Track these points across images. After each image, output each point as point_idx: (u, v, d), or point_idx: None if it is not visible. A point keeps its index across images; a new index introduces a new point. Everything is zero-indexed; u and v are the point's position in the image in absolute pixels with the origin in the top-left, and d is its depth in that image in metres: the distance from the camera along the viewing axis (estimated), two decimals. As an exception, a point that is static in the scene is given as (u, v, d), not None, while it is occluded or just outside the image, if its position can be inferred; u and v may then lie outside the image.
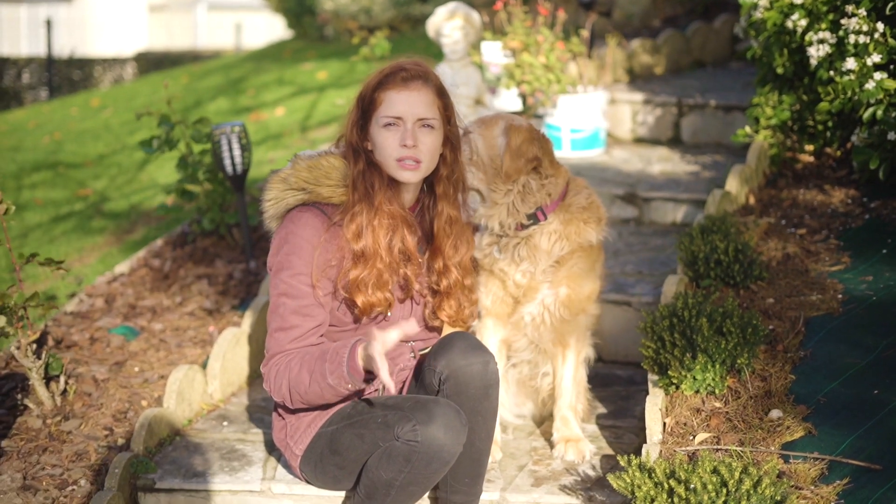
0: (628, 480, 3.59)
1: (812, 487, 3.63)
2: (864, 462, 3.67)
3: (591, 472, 4.21)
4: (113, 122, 12.11)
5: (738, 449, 3.81)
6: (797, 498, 3.55)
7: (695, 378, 4.12)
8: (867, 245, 5.04)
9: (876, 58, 5.15)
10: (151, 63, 21.70)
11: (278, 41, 17.30)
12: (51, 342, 5.13)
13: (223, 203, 6.33)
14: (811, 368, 4.22)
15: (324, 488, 3.98)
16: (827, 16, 5.46)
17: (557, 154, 4.35)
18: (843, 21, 5.29)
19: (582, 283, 4.29)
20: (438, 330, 4.00)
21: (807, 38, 5.51)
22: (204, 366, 4.97)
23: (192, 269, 6.10)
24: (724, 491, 3.41)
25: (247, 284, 5.83)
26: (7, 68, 20.46)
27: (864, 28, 5.20)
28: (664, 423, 4.10)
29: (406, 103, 3.68)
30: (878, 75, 5.12)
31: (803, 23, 5.56)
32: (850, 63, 5.22)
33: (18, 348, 4.50)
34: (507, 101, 7.44)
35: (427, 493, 3.94)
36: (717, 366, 4.11)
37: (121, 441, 4.43)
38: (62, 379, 4.68)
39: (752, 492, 3.40)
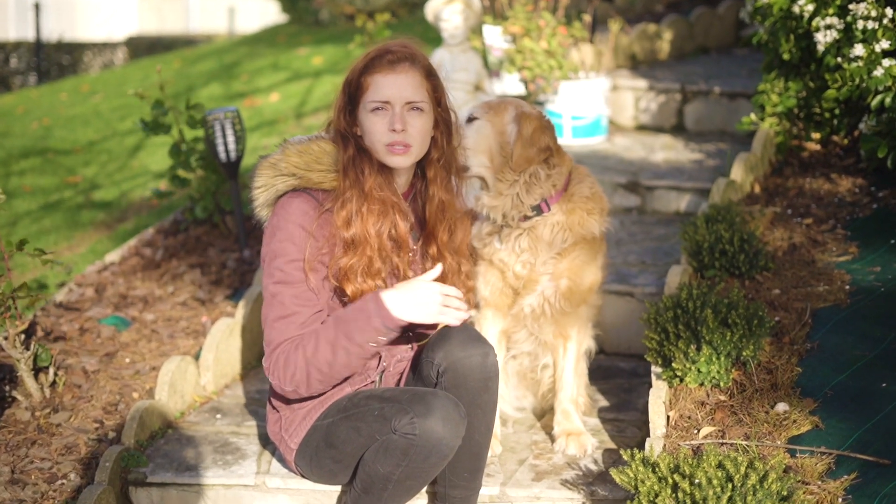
0: (631, 475, 3.59)
1: (819, 482, 3.63)
2: (872, 457, 3.67)
3: (593, 467, 4.21)
4: (103, 107, 12.08)
5: (744, 443, 3.81)
6: (804, 493, 3.54)
7: (699, 370, 4.12)
8: (875, 235, 5.03)
9: (885, 44, 5.14)
10: (142, 48, 21.65)
11: (272, 25, 17.26)
12: (40, 333, 5.11)
13: (216, 191, 6.31)
14: (818, 361, 4.21)
15: (319, 482, 3.97)
16: (834, 1, 5.45)
17: (559, 142, 4.33)
18: (850, 6, 5.28)
19: (583, 274, 4.27)
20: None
21: (814, 23, 5.50)
22: (197, 357, 4.97)
23: (185, 258, 6.09)
24: (730, 486, 3.41)
25: (241, 274, 5.82)
26: (-5, 53, 20.45)
27: (873, 13, 5.19)
28: (668, 417, 4.09)
29: (393, 87, 3.66)
30: (886, 62, 5.11)
31: (810, 8, 5.55)
32: (858, 49, 5.21)
33: (6, 339, 4.48)
34: (511, 85, 7.42)
35: (425, 488, 3.93)
36: (722, 358, 4.10)
37: (111, 434, 4.41)
38: (51, 370, 4.67)
39: (757, 487, 3.40)
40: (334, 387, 3.77)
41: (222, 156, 5.92)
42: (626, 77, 8.12)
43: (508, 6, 7.63)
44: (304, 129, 9.06)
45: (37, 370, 4.66)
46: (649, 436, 4.05)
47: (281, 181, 3.73)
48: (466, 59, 6.76)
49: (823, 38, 5.43)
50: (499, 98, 4.28)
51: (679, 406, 4.10)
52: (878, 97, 5.19)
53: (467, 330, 3.78)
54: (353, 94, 3.72)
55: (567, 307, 4.31)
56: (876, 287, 4.59)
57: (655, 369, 4.32)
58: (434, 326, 3.96)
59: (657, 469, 3.56)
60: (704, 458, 3.53)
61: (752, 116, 6.23)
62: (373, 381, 3.83)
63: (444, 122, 3.81)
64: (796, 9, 5.61)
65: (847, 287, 4.64)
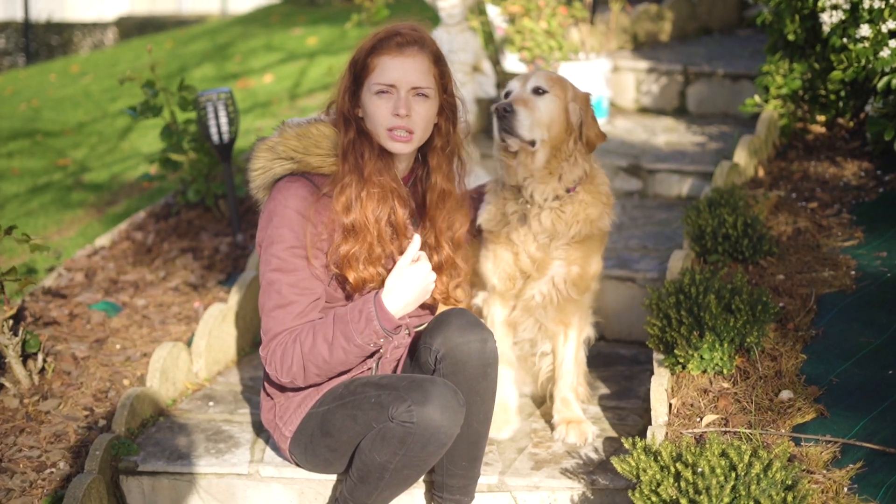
0: (633, 464, 3.58)
1: (824, 471, 3.62)
2: (878, 445, 3.66)
3: (594, 455, 4.20)
4: (93, 88, 12.05)
5: (748, 431, 3.80)
6: (809, 482, 3.54)
7: (702, 357, 4.11)
8: (881, 220, 5.02)
9: (891, 24, 5.13)
10: (133, 28, 21.61)
11: (266, 5, 17.22)
12: (28, 318, 5.10)
13: (209, 173, 6.29)
14: (823, 348, 4.20)
15: (314, 471, 3.96)
16: (841, -20, 5.43)
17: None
18: (857, -15, 5.26)
19: (591, 262, 4.29)
20: (431, 308, 3.97)
21: (819, 3, 5.48)
22: (189, 343, 4.95)
23: (177, 242, 6.07)
24: (734, 475, 3.40)
25: (234, 258, 5.81)
26: (-18, 33, 20.40)
27: (880, -8, 5.17)
28: (670, 405, 4.08)
29: (400, 70, 3.64)
30: (893, 43, 5.10)
31: (816, -13, 5.53)
32: (865, 30, 5.19)
33: (-5, 324, 4.47)
34: (514, 64, 7.40)
35: (422, 477, 3.93)
36: (726, 345, 4.09)
37: (102, 422, 4.40)
38: (40, 357, 4.66)
39: (762, 476, 3.39)
40: (319, 385, 3.77)
41: (215, 138, 5.90)
42: (628, 58, 8.10)
43: (508, -15, 7.60)
44: (299, 110, 9.05)
45: (25, 357, 4.65)
46: (651, 424, 4.04)
47: (278, 165, 3.71)
48: (464, 39, 6.73)
49: (829, 19, 5.41)
50: (552, 72, 4.25)
51: (681, 394, 4.10)
52: (885, 79, 5.17)
53: (466, 315, 3.76)
54: (358, 75, 3.69)
55: (574, 294, 4.31)
56: (882, 272, 4.58)
57: (657, 356, 4.31)
58: (431, 312, 3.96)
59: (659, 458, 3.55)
60: (707, 446, 3.52)
61: (756, 98, 6.22)
62: (369, 368, 3.82)
63: (449, 109, 3.79)
64: (801, -12, 5.60)
65: (853, 273, 4.63)
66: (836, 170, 5.61)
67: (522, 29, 7.27)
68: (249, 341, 5.21)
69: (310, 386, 3.78)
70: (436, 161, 3.83)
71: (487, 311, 4.39)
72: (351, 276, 3.66)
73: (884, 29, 5.14)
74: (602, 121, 7.45)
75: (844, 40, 5.38)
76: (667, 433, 3.92)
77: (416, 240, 3.60)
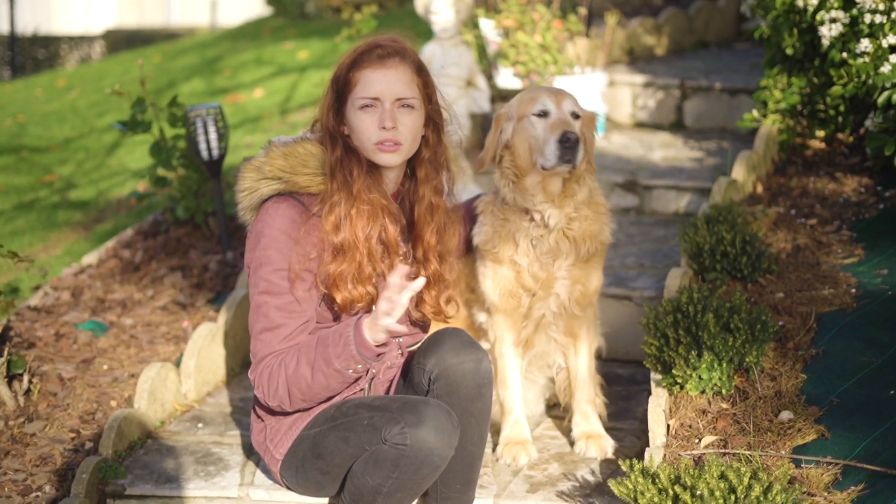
0: (630, 486, 3.57)
1: (825, 494, 3.62)
2: (880, 467, 3.66)
3: (591, 478, 4.19)
4: (80, 103, 12.05)
5: (747, 453, 3.80)
6: (809, 505, 3.54)
7: (700, 377, 4.11)
8: (882, 236, 5.03)
9: (892, 38, 5.14)
10: (121, 41, 21.60)
11: (256, 18, 17.24)
12: (14, 338, 5.09)
13: (198, 190, 6.29)
14: (823, 367, 4.20)
15: (306, 495, 3.95)
16: (840, -7, 5.45)
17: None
18: (857, 0, 5.28)
19: (592, 278, 4.32)
20: (423, 325, 3.97)
21: (818, 16, 5.49)
22: (177, 363, 4.94)
23: (165, 260, 6.07)
24: (733, 498, 3.40)
25: (223, 277, 5.80)
26: (-33, 46, 20.40)
27: (881, 7, 5.18)
28: (668, 426, 4.08)
29: (383, 82, 3.64)
30: (894, 58, 5.11)
31: (815, 1, 5.54)
32: (865, 44, 5.21)
33: (-21, 345, 4.47)
34: (506, 79, 7.41)
35: (416, 501, 3.92)
36: (724, 364, 4.10)
37: (88, 444, 4.39)
38: (25, 378, 4.65)
39: (762, 498, 3.39)
40: (310, 408, 3.76)
41: (204, 154, 5.90)
42: (624, 72, 8.11)
43: (501, -1, 7.62)
44: (290, 125, 9.05)
45: (10, 377, 4.64)
46: (649, 445, 4.04)
47: (265, 185, 3.71)
48: (458, 53, 6.74)
49: (828, 32, 5.42)
50: (557, 88, 4.27)
51: (679, 414, 4.10)
52: (885, 94, 5.19)
53: (460, 335, 3.76)
54: (340, 91, 3.70)
55: (577, 311, 4.33)
56: (883, 290, 4.58)
57: (655, 376, 4.31)
58: (425, 330, 3.95)
59: (657, 480, 3.55)
60: (706, 468, 3.52)
61: (754, 113, 6.23)
62: (362, 389, 3.81)
63: (435, 120, 3.79)
64: (800, 2, 5.61)
65: (853, 290, 4.64)
66: (835, 186, 5.62)
67: (517, 43, 7.28)
68: (239, 361, 5.21)
69: (301, 409, 3.77)
70: (423, 173, 3.82)
71: (493, 333, 4.39)
72: (339, 297, 3.65)
73: (884, 44, 5.15)
74: (598, 136, 7.44)
75: (844, 55, 5.40)
76: (665, 455, 3.92)
77: (401, 269, 3.50)
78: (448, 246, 3.93)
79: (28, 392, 4.65)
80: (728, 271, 4.83)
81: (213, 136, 5.89)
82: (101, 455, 4.24)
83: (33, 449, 4.33)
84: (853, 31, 5.35)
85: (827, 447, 3.81)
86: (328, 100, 3.74)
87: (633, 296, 5.27)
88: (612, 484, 3.63)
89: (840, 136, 6.06)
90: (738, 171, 5.73)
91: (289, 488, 3.97)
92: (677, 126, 7.85)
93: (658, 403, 4.11)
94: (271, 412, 3.84)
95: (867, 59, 5.21)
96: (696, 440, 3.97)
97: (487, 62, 7.55)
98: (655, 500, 3.49)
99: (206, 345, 4.95)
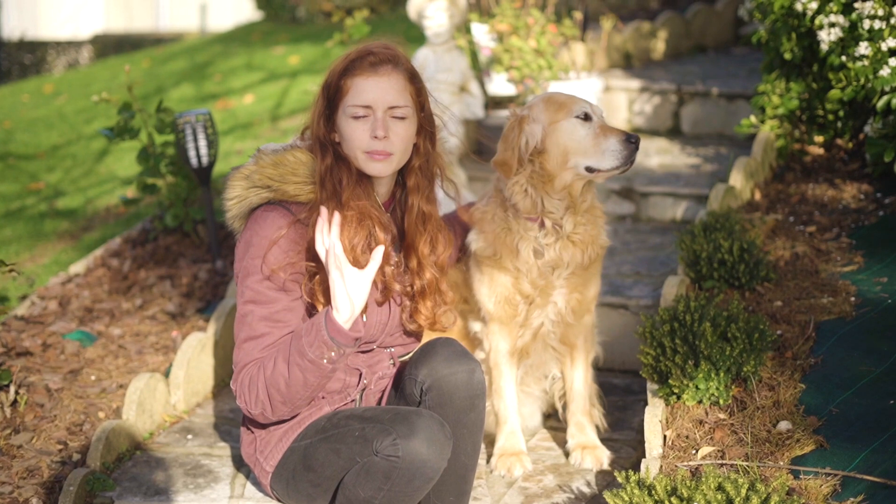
0: (626, 498, 3.58)
1: (824, 505, 3.63)
2: (879, 478, 3.66)
3: (586, 490, 4.20)
4: (67, 109, 12.05)
5: (745, 464, 3.80)
6: (808, 517, 3.55)
7: (697, 387, 4.11)
8: (881, 244, 5.04)
9: (891, 42, 5.15)
10: (109, 46, 21.59)
11: (247, 23, 17.25)
12: (0, 348, 5.09)
13: (188, 198, 6.29)
14: (822, 377, 4.21)
15: (297, 507, 3.96)
16: (839, -2, 5.47)
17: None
18: (856, 4, 5.29)
19: (591, 285, 4.33)
20: (416, 335, 3.97)
21: (817, 21, 5.51)
22: (167, 374, 4.95)
23: (154, 269, 6.07)
24: (730, 509, 3.40)
25: (213, 286, 5.81)
26: (-48, 52, 20.39)
27: (880, 12, 5.20)
28: (664, 436, 4.09)
29: (375, 90, 3.65)
30: (893, 61, 5.12)
31: (814, 5, 5.56)
32: (864, 48, 5.22)
33: (-35, 355, 4.47)
34: (501, 85, 7.42)
35: (408, 513, 3.92)
36: (722, 374, 4.10)
37: (76, 456, 4.39)
38: (12, 389, 4.65)
39: (759, 510, 3.39)
40: (301, 411, 3.75)
41: (194, 161, 5.91)
42: (620, 77, 8.13)
43: (495, 3, 7.64)
44: (280, 132, 9.05)
45: (-4, 389, 4.64)
46: (645, 456, 4.05)
47: (254, 193, 3.71)
48: (451, 58, 6.75)
49: (827, 37, 5.44)
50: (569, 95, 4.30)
51: (676, 425, 4.10)
52: (885, 98, 5.20)
53: (453, 345, 3.77)
54: (331, 98, 3.70)
55: (572, 319, 4.36)
56: (883, 299, 4.59)
57: (651, 386, 4.32)
58: (417, 339, 3.96)
59: (653, 492, 3.55)
60: (703, 479, 3.52)
61: (752, 119, 6.24)
62: (353, 400, 3.82)
63: (427, 128, 3.80)
64: (799, 6, 5.62)
65: (852, 299, 4.64)
66: (834, 192, 5.63)
67: (511, 48, 7.30)
68: (229, 371, 5.21)
69: (283, 421, 3.77)
70: (414, 182, 3.83)
71: (488, 343, 4.40)
72: (320, 306, 3.66)
73: (883, 47, 5.17)
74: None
75: (843, 59, 5.41)
76: (661, 466, 3.93)
77: (379, 250, 3.55)
78: (442, 256, 3.93)
79: (14, 403, 4.65)
80: (725, 279, 4.84)
81: (202, 142, 5.90)
82: (89, 467, 4.24)
83: (20, 461, 4.33)
84: (852, 34, 5.36)
85: (826, 458, 3.81)
86: (319, 107, 3.75)
87: (630, 304, 5.28)
88: (607, 496, 3.64)
89: (839, 141, 6.08)
90: (736, 178, 5.74)
91: (279, 500, 3.97)
92: (674, 132, 7.87)
93: (654, 414, 4.11)
94: (262, 424, 3.84)
95: (866, 62, 5.23)
96: (693, 451, 3.97)
97: (479, 68, 7.56)
98: (652, 511, 3.49)
99: (196, 355, 4.96)
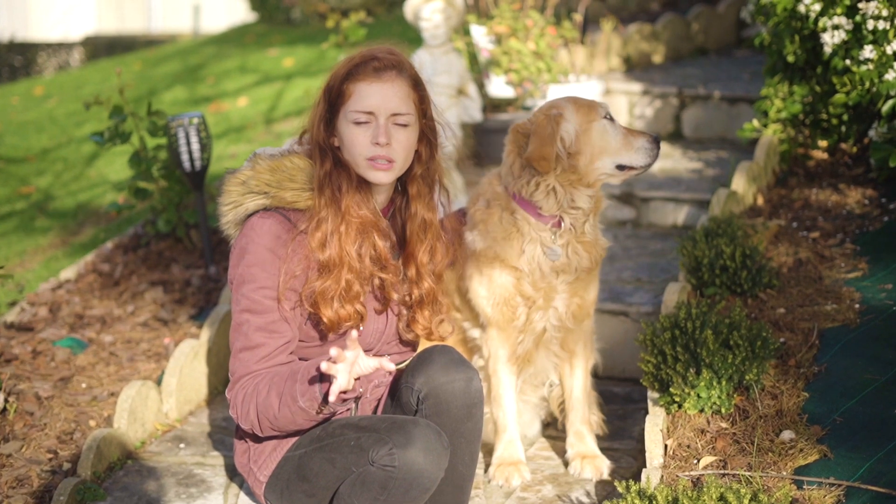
0: (627, 509, 3.58)
1: (828, 516, 3.63)
2: (884, 488, 3.66)
3: (586, 500, 4.20)
4: (58, 112, 12.05)
5: (747, 474, 3.80)
6: (811, 528, 3.54)
7: (699, 396, 4.11)
8: (886, 250, 5.04)
9: (896, 45, 5.16)
10: (101, 48, 21.60)
11: (240, 25, 17.27)
12: (-11, 356, 5.09)
13: (180, 202, 6.29)
14: (826, 385, 4.21)
15: (291, 517, 3.95)
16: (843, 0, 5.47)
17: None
18: (860, 5, 5.30)
19: (591, 288, 4.34)
20: (413, 344, 3.97)
21: (820, 23, 5.51)
22: (159, 382, 4.94)
23: (146, 274, 6.07)
24: (732, 520, 3.40)
25: (206, 292, 5.80)
26: (-59, 53, 20.36)
27: (884, 13, 5.20)
28: (665, 446, 4.09)
29: (378, 96, 3.64)
30: (898, 64, 5.13)
31: (817, 7, 5.56)
32: (868, 51, 5.23)
33: (-47, 363, 4.46)
34: (500, 88, 7.42)
35: (405, 523, 3.92)
36: (724, 382, 4.10)
37: (66, 465, 4.39)
38: (1, 396, 4.64)
39: (762, 521, 3.39)
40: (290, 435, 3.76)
41: (186, 165, 5.90)
42: (620, 80, 8.13)
43: (494, 4, 7.64)
44: (275, 135, 9.05)
45: (-15, 396, 4.64)
46: (645, 466, 4.04)
47: (250, 199, 3.70)
48: (448, 60, 6.75)
49: (831, 39, 5.44)
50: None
51: (677, 434, 4.10)
52: (890, 102, 5.20)
53: (450, 353, 3.76)
54: (333, 102, 3.69)
55: (572, 324, 4.36)
56: (888, 306, 4.59)
57: (652, 394, 4.32)
58: (413, 348, 3.95)
59: (654, 502, 3.55)
60: (705, 490, 3.52)
61: (755, 123, 6.25)
62: (348, 409, 3.81)
63: (429, 135, 3.79)
64: (802, 8, 5.63)
65: (857, 306, 4.64)
66: (838, 197, 5.63)
67: (509, 50, 7.30)
68: (223, 379, 5.20)
69: (274, 437, 3.77)
70: (416, 189, 3.82)
71: (487, 349, 4.40)
72: (325, 315, 3.65)
73: (888, 50, 5.17)
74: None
75: (847, 62, 5.42)
76: (662, 476, 3.92)
77: (353, 335, 3.38)
78: (440, 265, 3.92)
79: (4, 411, 4.64)
80: (727, 286, 4.83)
81: (195, 146, 5.89)
82: (80, 476, 4.23)
83: (9, 470, 4.32)
84: (856, 37, 5.36)
85: (830, 468, 3.81)
86: (319, 110, 3.73)
87: (630, 311, 5.28)
88: (607, 506, 3.64)
89: (843, 146, 6.08)
90: (738, 183, 5.74)
91: (274, 511, 3.97)
92: (675, 136, 7.88)
93: (655, 423, 4.11)
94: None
95: (871, 66, 5.23)
96: (695, 460, 3.97)
97: (479, 70, 7.57)
98: (653, 522, 3.49)
99: (189, 362, 4.95)
